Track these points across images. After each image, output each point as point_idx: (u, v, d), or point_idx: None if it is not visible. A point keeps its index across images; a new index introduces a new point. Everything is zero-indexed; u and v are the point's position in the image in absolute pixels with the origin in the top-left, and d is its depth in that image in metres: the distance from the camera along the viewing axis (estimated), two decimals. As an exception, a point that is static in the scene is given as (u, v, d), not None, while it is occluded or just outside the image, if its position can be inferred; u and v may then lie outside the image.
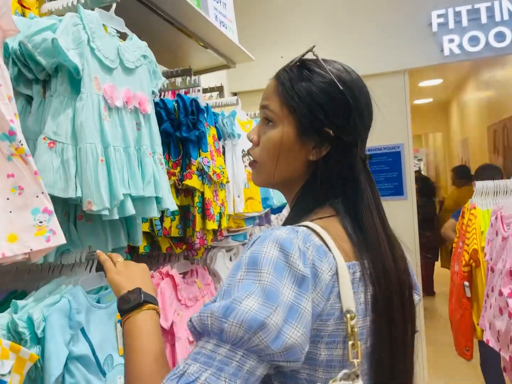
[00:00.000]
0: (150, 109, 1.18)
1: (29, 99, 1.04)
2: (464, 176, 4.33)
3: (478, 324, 2.07)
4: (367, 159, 0.78)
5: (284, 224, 0.75)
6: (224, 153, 1.73)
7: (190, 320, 0.59)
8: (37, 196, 0.67)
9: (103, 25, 1.11)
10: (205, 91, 2.15)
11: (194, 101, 1.38)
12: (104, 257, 0.90)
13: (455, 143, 7.12)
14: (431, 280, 5.50)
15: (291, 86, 0.74)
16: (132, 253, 1.43)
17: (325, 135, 0.73)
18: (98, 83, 1.04)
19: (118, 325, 1.12)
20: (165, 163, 1.40)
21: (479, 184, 2.31)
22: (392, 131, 2.99)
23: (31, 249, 0.66)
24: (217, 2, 2.04)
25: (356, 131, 0.74)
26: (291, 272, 0.59)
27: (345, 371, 0.63)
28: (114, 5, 1.18)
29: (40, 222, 0.68)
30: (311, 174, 0.76)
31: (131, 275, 0.83)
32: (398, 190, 3.09)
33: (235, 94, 3.18)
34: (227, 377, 0.54)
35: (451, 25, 2.93)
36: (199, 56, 2.08)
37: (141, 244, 1.33)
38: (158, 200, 1.17)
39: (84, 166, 0.97)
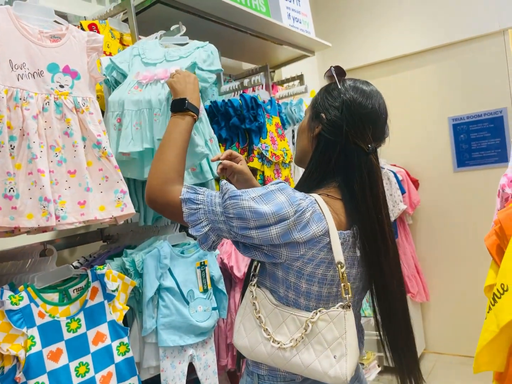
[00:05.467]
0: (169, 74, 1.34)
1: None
2: None
3: None
4: (371, 151, 0.96)
5: (297, 186, 1.02)
6: (293, 136, 2.04)
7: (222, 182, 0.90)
8: (117, 182, 1.10)
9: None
10: (287, 81, 2.46)
11: (253, 98, 1.72)
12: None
13: None
14: None
15: (316, 95, 1.08)
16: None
17: (321, 118, 1.00)
18: (138, 73, 1.33)
19: (198, 270, 1.54)
20: (235, 150, 1.78)
21: None
22: (492, 95, 2.88)
23: (112, 215, 1.09)
24: (290, 1, 2.28)
25: (350, 123, 0.96)
26: (285, 214, 0.84)
27: (340, 303, 0.89)
28: (183, 31, 1.57)
29: (118, 198, 1.11)
30: (313, 149, 1.02)
31: (184, 84, 1.09)
32: (502, 157, 2.97)
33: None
34: (208, 217, 0.88)
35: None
36: (277, 52, 2.38)
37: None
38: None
39: None
